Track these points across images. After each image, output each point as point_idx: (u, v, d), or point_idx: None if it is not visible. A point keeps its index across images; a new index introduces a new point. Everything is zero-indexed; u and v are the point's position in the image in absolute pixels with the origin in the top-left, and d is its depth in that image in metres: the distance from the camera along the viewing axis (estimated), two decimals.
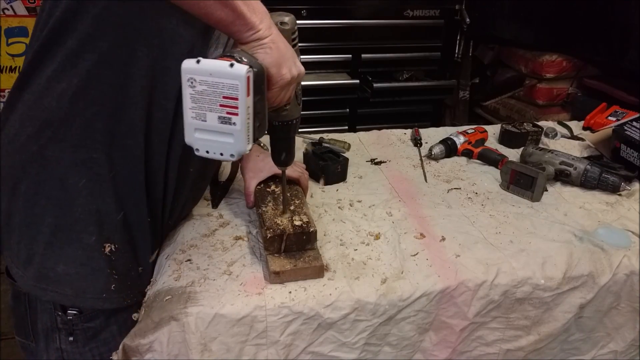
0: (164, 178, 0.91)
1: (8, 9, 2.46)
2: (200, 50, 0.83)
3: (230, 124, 0.69)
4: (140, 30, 0.77)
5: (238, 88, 0.66)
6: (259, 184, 1.12)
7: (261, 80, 0.72)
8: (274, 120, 0.87)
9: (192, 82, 0.68)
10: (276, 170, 1.06)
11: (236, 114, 0.68)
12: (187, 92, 0.69)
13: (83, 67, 0.78)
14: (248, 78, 0.67)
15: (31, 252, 0.86)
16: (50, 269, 0.86)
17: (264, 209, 1.01)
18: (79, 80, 0.78)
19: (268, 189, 1.10)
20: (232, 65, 0.66)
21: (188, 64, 0.67)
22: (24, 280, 0.88)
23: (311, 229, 0.94)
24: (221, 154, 0.71)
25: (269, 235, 0.92)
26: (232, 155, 0.71)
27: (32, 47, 0.81)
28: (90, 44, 0.77)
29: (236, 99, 0.67)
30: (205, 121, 0.69)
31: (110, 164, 0.84)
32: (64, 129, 0.81)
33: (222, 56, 0.70)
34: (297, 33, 0.83)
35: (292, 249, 0.94)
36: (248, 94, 0.67)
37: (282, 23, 0.80)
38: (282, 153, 0.92)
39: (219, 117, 0.69)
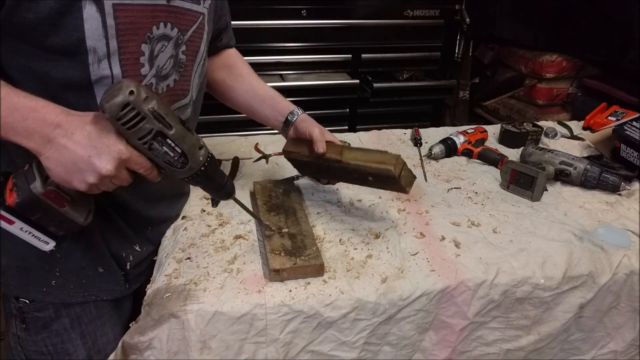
0: None
1: None
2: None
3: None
4: None
5: None
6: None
7: (34, 205, 0.74)
8: (180, 177, 0.80)
9: None
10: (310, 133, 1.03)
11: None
12: None
13: None
14: None
15: None
16: None
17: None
18: None
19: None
20: None
21: None
22: None
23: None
24: None
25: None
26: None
27: None
28: None
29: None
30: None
31: (25, 157, 0.82)
32: None
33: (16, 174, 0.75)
34: (132, 110, 0.68)
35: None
36: (11, 223, 0.73)
37: (102, 110, 0.67)
38: (211, 193, 0.89)
39: None
